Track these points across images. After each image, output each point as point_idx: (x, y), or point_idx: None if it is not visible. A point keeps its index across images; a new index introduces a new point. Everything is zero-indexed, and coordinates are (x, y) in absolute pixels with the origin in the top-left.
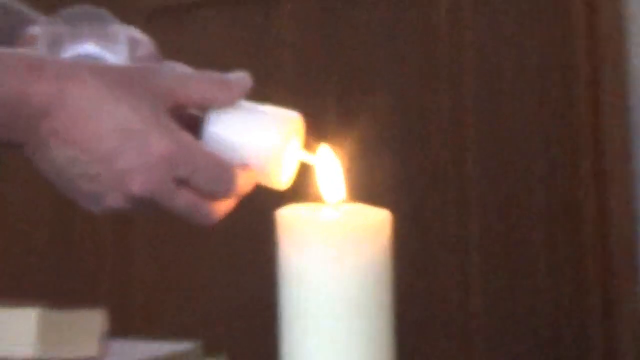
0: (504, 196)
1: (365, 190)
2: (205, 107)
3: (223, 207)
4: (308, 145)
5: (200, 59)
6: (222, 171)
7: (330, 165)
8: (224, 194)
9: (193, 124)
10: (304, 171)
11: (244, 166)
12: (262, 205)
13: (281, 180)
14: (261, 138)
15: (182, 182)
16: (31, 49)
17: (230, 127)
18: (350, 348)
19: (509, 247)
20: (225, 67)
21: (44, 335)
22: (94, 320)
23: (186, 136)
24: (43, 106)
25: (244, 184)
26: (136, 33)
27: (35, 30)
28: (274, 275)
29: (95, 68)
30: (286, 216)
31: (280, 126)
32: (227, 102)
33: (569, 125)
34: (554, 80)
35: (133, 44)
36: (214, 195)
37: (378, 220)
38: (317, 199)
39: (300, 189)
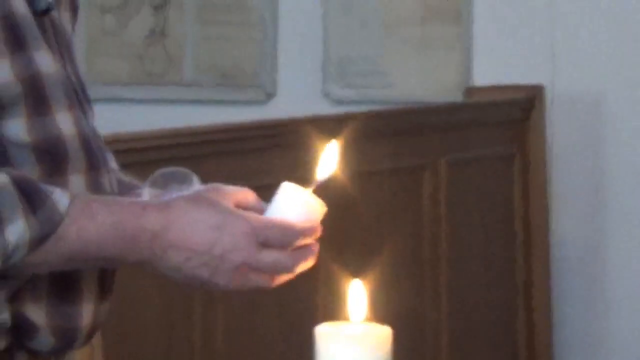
0: None
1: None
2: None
3: (300, 256)
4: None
5: None
6: (286, 229)
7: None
8: (293, 242)
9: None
10: (341, 296)
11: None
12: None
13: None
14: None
15: (263, 246)
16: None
17: (284, 208)
18: None
19: None
20: None
21: None
22: None
23: (253, 215)
24: (154, 230)
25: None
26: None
27: (138, 192)
28: None
29: (184, 196)
30: (324, 333)
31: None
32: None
33: None
34: None
35: None
36: (288, 246)
37: (382, 336)
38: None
39: (332, 312)
